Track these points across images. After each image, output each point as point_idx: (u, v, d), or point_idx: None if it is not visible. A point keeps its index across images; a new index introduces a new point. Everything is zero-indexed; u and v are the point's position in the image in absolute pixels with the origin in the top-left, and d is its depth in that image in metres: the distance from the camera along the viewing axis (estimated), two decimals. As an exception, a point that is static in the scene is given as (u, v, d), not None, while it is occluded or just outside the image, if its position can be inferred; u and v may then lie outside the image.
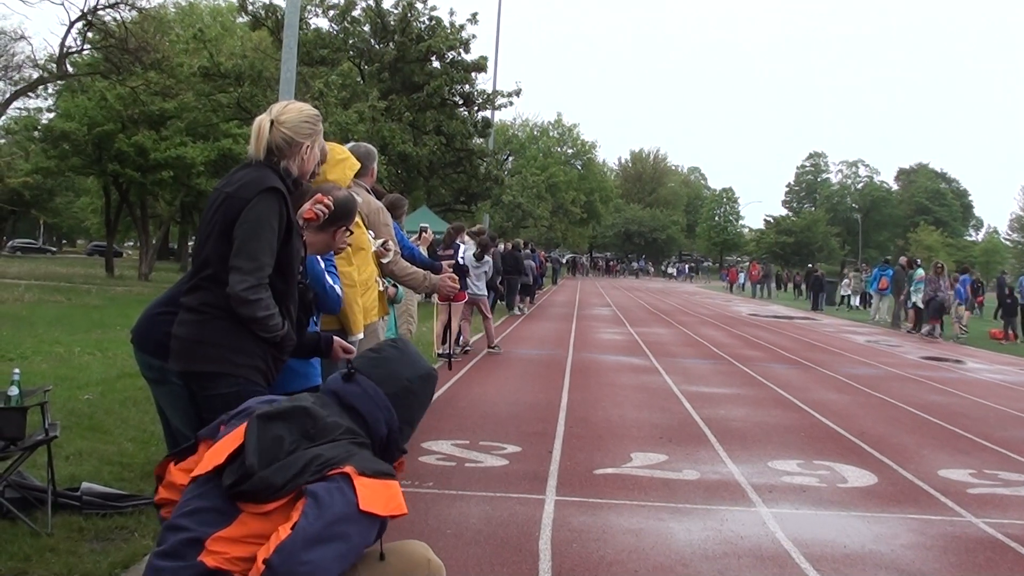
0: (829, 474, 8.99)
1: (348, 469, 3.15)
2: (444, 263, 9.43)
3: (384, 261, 7.33)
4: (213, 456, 3.27)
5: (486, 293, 19.43)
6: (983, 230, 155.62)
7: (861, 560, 6.36)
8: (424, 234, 13.24)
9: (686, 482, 8.36)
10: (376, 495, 3.15)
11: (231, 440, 3.28)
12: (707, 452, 9.74)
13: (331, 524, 3.03)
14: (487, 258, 19.23)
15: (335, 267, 5.84)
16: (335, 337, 5.15)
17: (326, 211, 4.91)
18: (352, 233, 5.52)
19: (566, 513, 7.10)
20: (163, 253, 65.27)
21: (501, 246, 29.32)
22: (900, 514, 7.66)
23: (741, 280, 74.18)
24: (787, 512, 7.50)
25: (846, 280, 55.59)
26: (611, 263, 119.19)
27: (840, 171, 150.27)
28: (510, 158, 74.27)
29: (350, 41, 36.97)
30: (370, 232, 7.27)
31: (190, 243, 68.05)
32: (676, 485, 8.23)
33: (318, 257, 5.49)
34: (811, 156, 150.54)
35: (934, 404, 14.29)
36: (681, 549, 6.39)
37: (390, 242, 7.44)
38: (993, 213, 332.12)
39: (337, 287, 5.71)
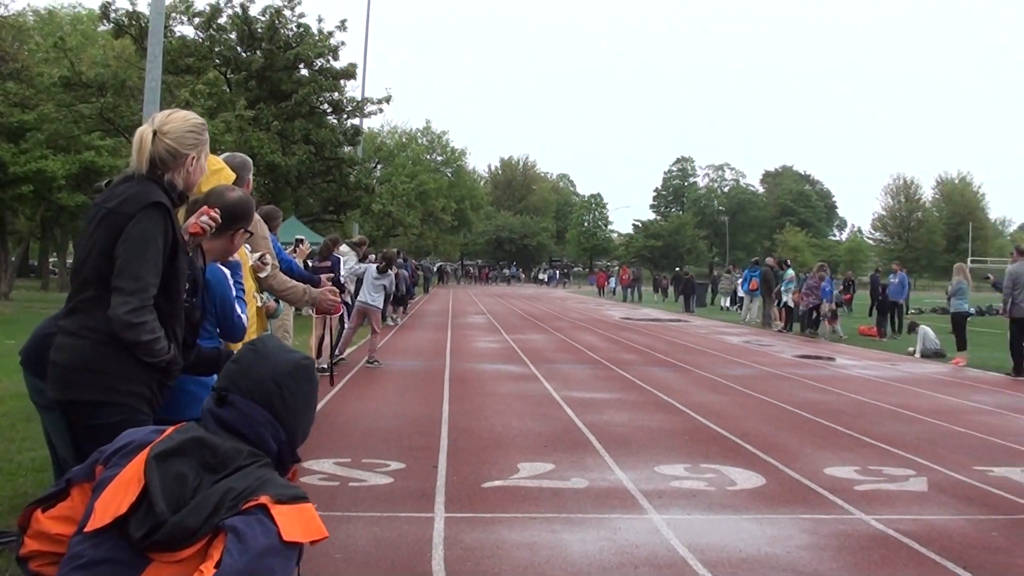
0: (717, 477, 8.95)
1: (264, 500, 2.92)
2: (323, 276, 9.18)
3: (262, 275, 7.09)
4: (109, 507, 2.98)
5: (380, 306, 19.18)
6: (847, 230, 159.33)
7: (759, 564, 6.30)
8: (300, 246, 12.97)
9: (576, 491, 8.25)
10: (295, 523, 2.93)
11: (125, 486, 3.02)
12: (594, 459, 9.64)
13: (256, 559, 2.80)
14: (390, 272, 18.98)
15: (244, 291, 5.57)
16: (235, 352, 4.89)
17: (213, 224, 4.67)
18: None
19: (457, 530, 6.91)
20: (23, 270, 63.43)
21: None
22: (791, 515, 7.64)
23: (612, 284, 74.65)
24: (679, 518, 7.42)
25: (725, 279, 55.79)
26: (483, 270, 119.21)
27: (707, 175, 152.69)
28: (379, 166, 73.68)
29: (216, 49, 36.16)
30: (247, 245, 7.04)
31: (51, 259, 66.33)
32: (566, 495, 8.10)
33: (230, 282, 5.25)
34: (678, 161, 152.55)
35: (812, 402, 14.42)
36: (577, 561, 6.25)
37: (268, 255, 7.21)
38: (857, 213, 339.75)
39: (244, 317, 5.44)
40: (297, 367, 3.30)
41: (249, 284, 6.75)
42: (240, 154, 7.59)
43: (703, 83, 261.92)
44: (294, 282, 7.55)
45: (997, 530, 7.37)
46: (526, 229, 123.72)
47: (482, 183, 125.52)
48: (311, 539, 2.99)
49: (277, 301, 8.16)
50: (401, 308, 35.09)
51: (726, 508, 7.80)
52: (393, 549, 6.44)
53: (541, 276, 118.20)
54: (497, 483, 8.43)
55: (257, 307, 6.95)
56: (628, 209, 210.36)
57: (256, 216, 7.77)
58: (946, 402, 15.21)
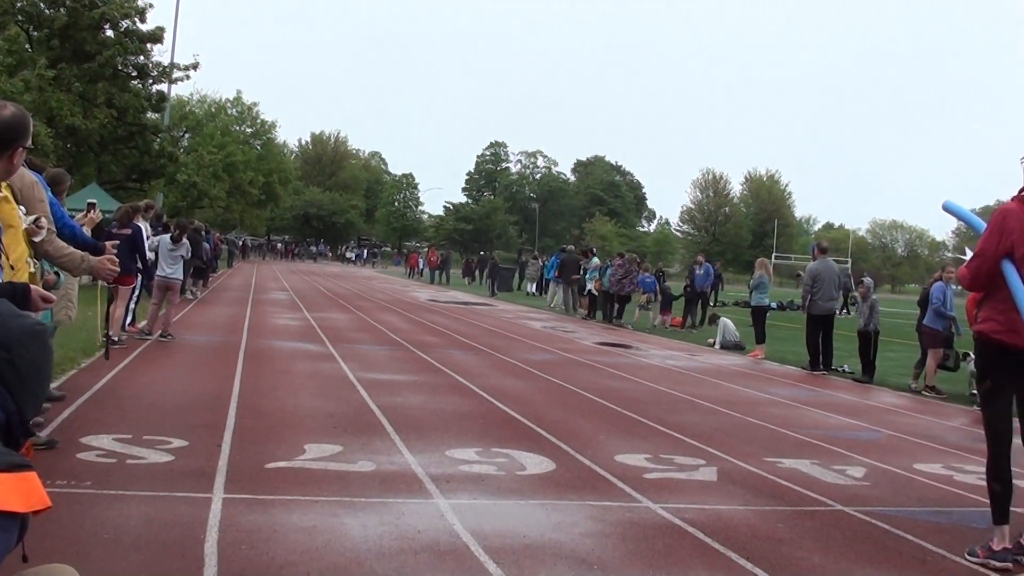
0: (507, 462, 8.84)
1: None
2: (108, 243, 8.69)
3: (36, 240, 6.71)
4: None
5: (180, 277, 18.62)
6: (655, 221, 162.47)
7: (541, 550, 6.19)
8: (91, 212, 12.43)
9: (361, 474, 8.02)
10: (12, 490, 2.64)
11: None
12: (383, 442, 9.43)
13: None
14: (184, 241, 18.40)
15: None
16: (31, 285, 4.48)
17: None
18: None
19: (235, 512, 6.61)
20: None
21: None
22: (579, 501, 7.57)
23: (421, 265, 74.39)
24: (465, 503, 7.28)
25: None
26: (290, 246, 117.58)
27: (520, 161, 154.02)
28: (186, 135, 71.95)
29: (18, 4, 34.76)
30: (21, 208, 6.65)
31: None
32: (351, 478, 7.87)
33: None
34: (492, 145, 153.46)
35: (610, 389, 14.49)
36: (356, 546, 6.04)
37: (43, 219, 6.82)
38: (666, 205, 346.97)
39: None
40: (29, 332, 2.96)
41: (22, 249, 6.39)
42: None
43: (519, 69, 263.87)
44: (72, 249, 7.17)
45: (782, 521, 7.44)
46: (335, 206, 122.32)
47: (292, 157, 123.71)
48: (31, 508, 2.71)
49: (58, 275, 7.75)
50: (201, 281, 34.23)
51: (514, 493, 7.69)
52: (166, 530, 6.11)
53: (349, 255, 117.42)
54: (281, 464, 8.15)
55: (30, 272, 6.57)
56: (440, 191, 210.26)
57: (33, 178, 7.36)
58: (742, 393, 15.47)
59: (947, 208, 8.09)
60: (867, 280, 20.76)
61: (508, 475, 8.32)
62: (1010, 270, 6.49)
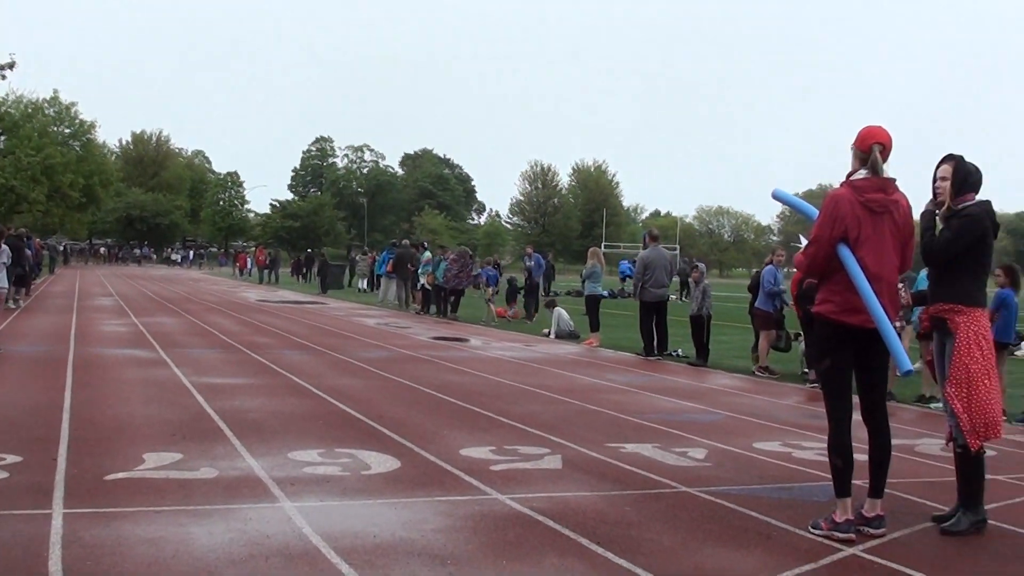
0: (351, 462, 8.76)
1: None
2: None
3: None
4: None
5: (5, 286, 18.02)
6: (485, 214, 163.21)
7: (393, 549, 6.14)
8: None
9: (204, 481, 7.85)
10: None
11: None
12: (224, 447, 9.26)
13: None
14: (4, 247, 17.80)
15: None
16: None
17: None
18: None
19: (76, 527, 6.39)
20: None
21: None
22: (427, 497, 7.53)
23: (249, 265, 73.35)
24: (312, 505, 7.18)
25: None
26: (113, 250, 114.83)
27: (346, 156, 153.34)
28: (2, 137, 69.72)
29: None
30: None
31: None
32: (193, 486, 7.69)
33: None
34: (317, 140, 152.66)
35: (449, 384, 14.49)
36: (204, 555, 5.90)
37: None
38: (495, 198, 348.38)
39: None
40: None
41: None
42: None
43: (344, 63, 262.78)
44: None
45: (629, 505, 7.53)
46: (159, 207, 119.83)
47: (113, 158, 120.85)
48: None
49: None
50: (24, 290, 33.19)
51: (360, 493, 7.62)
52: (6, 550, 5.87)
53: (174, 256, 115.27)
54: (121, 475, 7.93)
55: None
56: (266, 188, 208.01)
57: None
58: (580, 381, 15.64)
59: (776, 196, 8.30)
60: (701, 266, 21.19)
61: (353, 475, 8.24)
62: (846, 253, 6.69)
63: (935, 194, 7.24)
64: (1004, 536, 7.10)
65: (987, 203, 7.17)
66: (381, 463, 8.74)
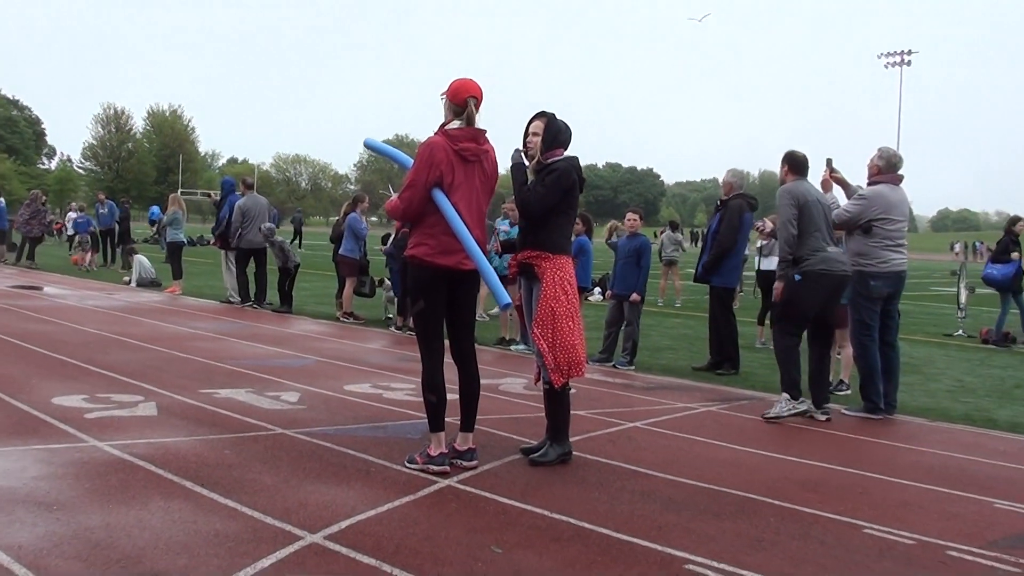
0: (-62, 413, 8.51)
1: None
2: None
3: None
4: None
5: None
6: (56, 158, 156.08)
7: (-5, 498, 6.09)
8: None
9: None
10: None
11: None
12: None
13: None
14: None
15: None
16: None
17: None
18: None
19: None
20: None
21: None
22: (24, 446, 7.42)
23: None
24: (-102, 459, 6.97)
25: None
26: None
27: None
28: None
29: None
30: None
31: None
32: None
33: None
34: None
35: (33, 332, 14.10)
36: None
37: None
38: (66, 142, 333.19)
39: None
40: None
41: None
42: None
43: None
44: None
45: (228, 447, 7.70)
46: None
47: None
48: None
49: None
50: None
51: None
52: None
53: None
54: None
55: None
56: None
57: None
58: (166, 329, 15.54)
59: (368, 145, 8.63)
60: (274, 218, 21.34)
61: (-57, 427, 8.02)
62: (441, 198, 7.08)
63: (526, 148, 7.77)
64: (587, 465, 7.74)
65: (574, 158, 7.77)
66: (-29, 414, 8.53)
